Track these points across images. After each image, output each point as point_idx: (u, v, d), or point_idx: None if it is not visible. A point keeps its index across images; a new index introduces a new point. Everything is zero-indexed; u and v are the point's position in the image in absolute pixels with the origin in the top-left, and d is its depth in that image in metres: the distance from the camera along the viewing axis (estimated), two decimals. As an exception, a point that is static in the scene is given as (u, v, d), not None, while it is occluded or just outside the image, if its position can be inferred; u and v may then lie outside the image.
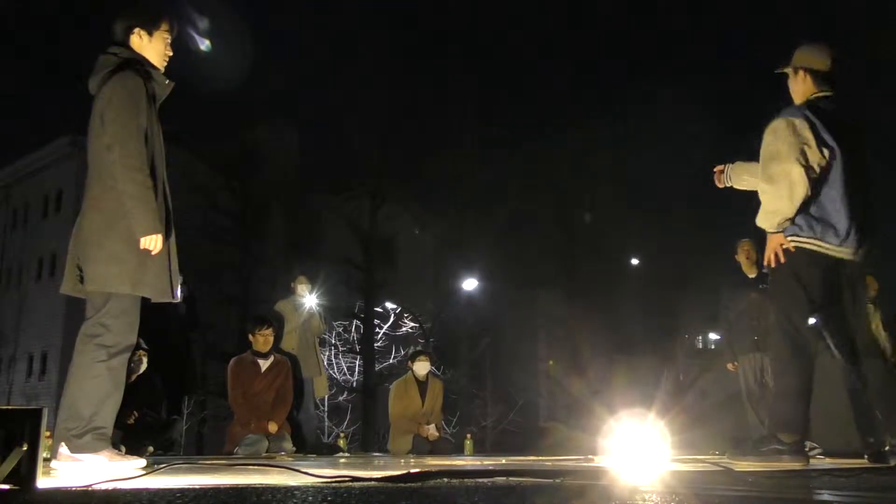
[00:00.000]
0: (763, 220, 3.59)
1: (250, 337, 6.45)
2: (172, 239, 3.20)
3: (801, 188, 3.45)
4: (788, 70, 3.78)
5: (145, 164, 3.06)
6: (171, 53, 3.33)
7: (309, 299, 7.52)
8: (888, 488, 2.42)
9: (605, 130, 22.10)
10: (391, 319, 20.84)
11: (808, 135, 3.48)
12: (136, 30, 3.25)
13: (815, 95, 3.67)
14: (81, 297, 3.15)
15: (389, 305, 21.13)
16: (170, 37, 3.32)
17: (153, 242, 3.03)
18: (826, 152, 3.51)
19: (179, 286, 3.20)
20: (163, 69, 3.30)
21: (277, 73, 24.60)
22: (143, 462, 3.08)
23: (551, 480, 2.27)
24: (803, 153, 3.46)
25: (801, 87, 3.72)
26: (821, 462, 4.70)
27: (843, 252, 3.52)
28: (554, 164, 22.81)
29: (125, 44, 3.25)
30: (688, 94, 25.73)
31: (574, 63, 39.06)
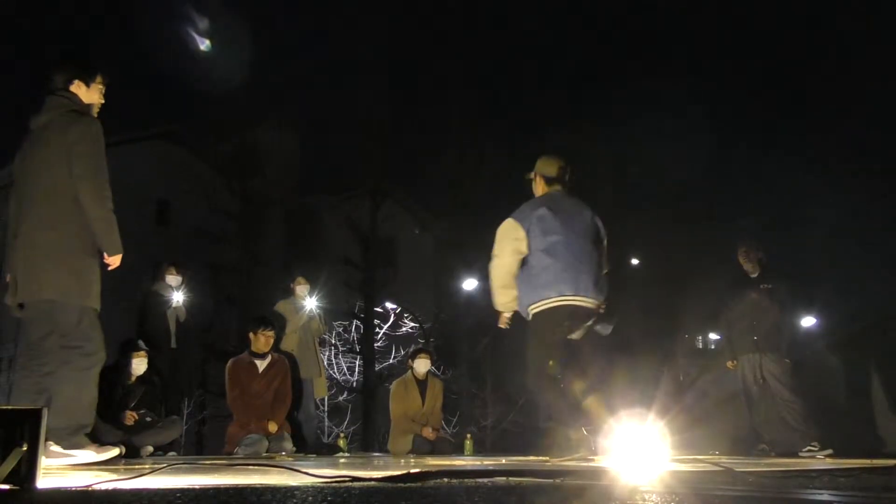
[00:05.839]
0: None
1: (251, 336, 6.44)
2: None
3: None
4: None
5: (111, 194, 3.45)
6: (103, 101, 3.68)
7: (309, 301, 7.51)
8: (888, 488, 2.41)
9: (606, 129, 22.08)
10: (391, 319, 20.82)
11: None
12: (76, 81, 3.58)
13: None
14: (16, 308, 3.57)
15: (389, 305, 21.09)
16: (104, 88, 3.66)
17: (119, 260, 3.46)
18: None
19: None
20: (96, 115, 3.63)
21: (278, 72, 24.59)
22: (117, 451, 3.59)
23: (551, 480, 2.27)
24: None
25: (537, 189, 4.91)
26: (821, 462, 4.70)
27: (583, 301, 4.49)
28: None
29: (66, 89, 3.56)
30: (689, 93, 25.73)
31: (574, 62, 39.05)
